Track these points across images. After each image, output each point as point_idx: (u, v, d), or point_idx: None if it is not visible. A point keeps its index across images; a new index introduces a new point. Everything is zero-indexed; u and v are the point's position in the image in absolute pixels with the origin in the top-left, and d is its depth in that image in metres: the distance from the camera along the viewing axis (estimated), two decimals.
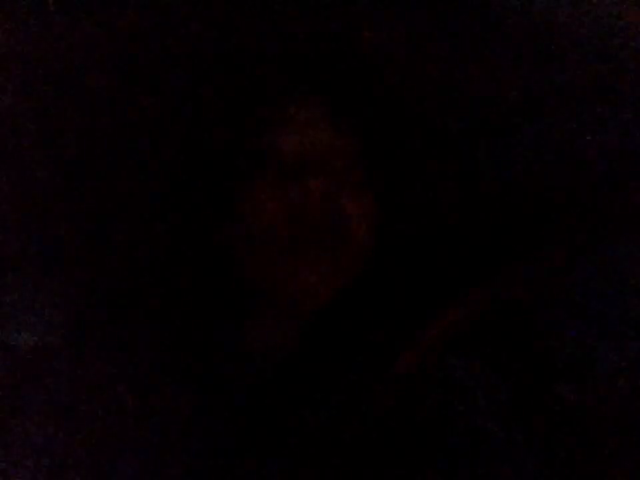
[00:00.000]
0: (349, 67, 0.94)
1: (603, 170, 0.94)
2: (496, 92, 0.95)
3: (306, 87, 0.95)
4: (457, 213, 0.97)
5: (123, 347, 0.91)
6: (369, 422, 0.87)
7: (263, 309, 0.94)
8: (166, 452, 0.86)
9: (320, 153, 0.92)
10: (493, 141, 0.96)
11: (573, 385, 0.90)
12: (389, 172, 0.96)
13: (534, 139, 0.96)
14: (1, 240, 0.95)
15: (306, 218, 0.90)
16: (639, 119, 0.94)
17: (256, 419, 0.87)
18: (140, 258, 0.94)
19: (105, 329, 0.92)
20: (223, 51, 0.93)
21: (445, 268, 0.94)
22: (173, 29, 0.93)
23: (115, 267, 0.94)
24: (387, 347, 0.90)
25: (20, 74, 0.94)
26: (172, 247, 0.94)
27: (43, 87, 0.94)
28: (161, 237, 0.94)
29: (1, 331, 0.92)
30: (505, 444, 0.88)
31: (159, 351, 0.91)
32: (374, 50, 0.94)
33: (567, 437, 0.90)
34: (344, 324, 0.93)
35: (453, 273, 0.93)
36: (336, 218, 0.91)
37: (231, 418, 0.88)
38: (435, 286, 0.93)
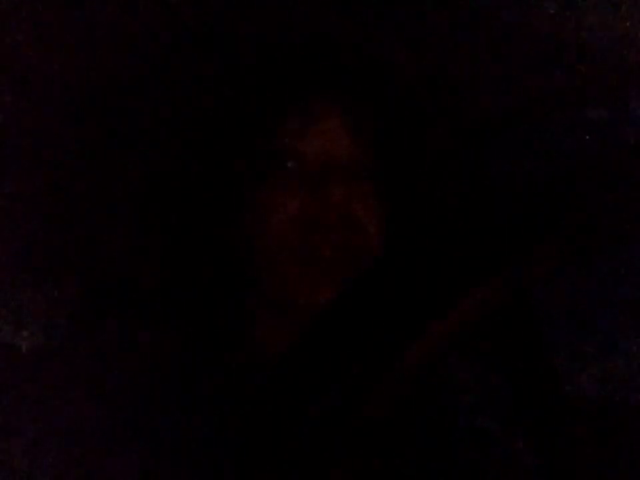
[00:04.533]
0: (366, 76, 0.95)
1: (605, 171, 0.94)
2: (503, 94, 0.95)
3: (328, 95, 0.95)
4: (461, 216, 0.97)
5: (123, 347, 0.91)
6: (369, 422, 0.88)
7: (269, 310, 0.94)
8: (166, 452, 0.86)
9: (339, 160, 0.92)
10: (499, 143, 0.97)
11: (574, 385, 0.90)
12: (402, 181, 0.97)
13: (538, 139, 0.96)
14: (1, 241, 0.95)
15: (322, 223, 0.90)
16: None
17: (258, 420, 0.88)
18: (143, 258, 0.94)
19: (105, 329, 0.92)
20: (247, 54, 0.93)
21: (447, 269, 0.94)
22: (198, 28, 0.93)
23: (116, 266, 0.94)
24: (387, 347, 0.90)
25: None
26: (179, 246, 0.94)
27: (38, 89, 0.94)
28: (169, 237, 0.95)
29: (1, 331, 0.92)
30: (504, 444, 0.88)
31: (160, 351, 0.91)
32: (386, 58, 0.94)
33: (567, 437, 0.90)
34: (346, 324, 0.93)
35: (455, 274, 0.93)
36: (351, 225, 0.91)
37: (233, 419, 0.88)
38: (437, 287, 0.93)
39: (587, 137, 0.93)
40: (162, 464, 0.85)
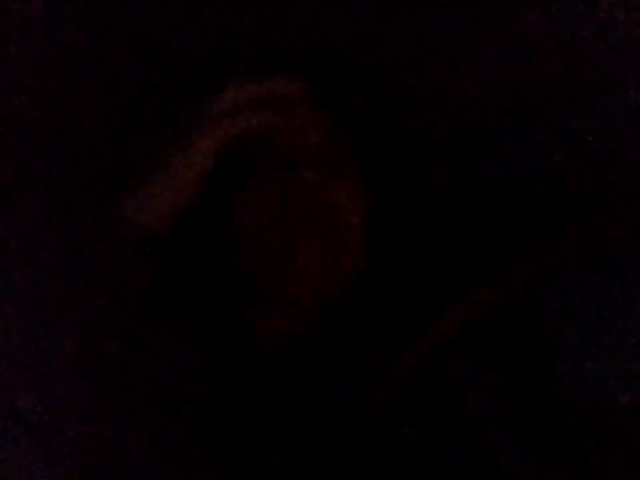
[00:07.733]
0: (344, 66, 0.95)
1: (606, 172, 0.94)
2: (496, 93, 0.95)
3: (303, 84, 0.95)
4: (452, 210, 0.97)
5: (129, 347, 0.91)
6: (369, 420, 0.88)
7: (265, 303, 0.94)
8: (166, 449, 0.86)
9: (313, 149, 0.92)
10: (494, 141, 0.97)
11: (575, 385, 0.91)
12: (381, 168, 0.97)
13: (535, 139, 0.97)
14: (1, 240, 0.94)
15: (298, 207, 0.91)
16: None
17: (260, 417, 0.88)
18: (142, 263, 0.94)
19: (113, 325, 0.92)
20: (222, 49, 0.93)
21: (444, 268, 0.94)
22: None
23: (118, 266, 0.94)
24: (385, 347, 0.91)
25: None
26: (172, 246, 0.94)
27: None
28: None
29: None
30: (505, 445, 0.89)
31: (163, 350, 0.91)
32: (368, 50, 0.95)
33: (568, 438, 0.90)
34: (344, 322, 0.93)
35: (453, 272, 0.94)
36: (327, 207, 0.91)
37: (235, 416, 0.88)
38: (435, 285, 0.93)
39: (590, 138, 0.93)
40: (162, 461, 0.86)
